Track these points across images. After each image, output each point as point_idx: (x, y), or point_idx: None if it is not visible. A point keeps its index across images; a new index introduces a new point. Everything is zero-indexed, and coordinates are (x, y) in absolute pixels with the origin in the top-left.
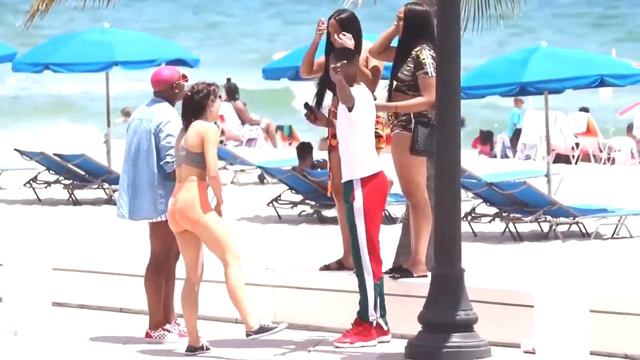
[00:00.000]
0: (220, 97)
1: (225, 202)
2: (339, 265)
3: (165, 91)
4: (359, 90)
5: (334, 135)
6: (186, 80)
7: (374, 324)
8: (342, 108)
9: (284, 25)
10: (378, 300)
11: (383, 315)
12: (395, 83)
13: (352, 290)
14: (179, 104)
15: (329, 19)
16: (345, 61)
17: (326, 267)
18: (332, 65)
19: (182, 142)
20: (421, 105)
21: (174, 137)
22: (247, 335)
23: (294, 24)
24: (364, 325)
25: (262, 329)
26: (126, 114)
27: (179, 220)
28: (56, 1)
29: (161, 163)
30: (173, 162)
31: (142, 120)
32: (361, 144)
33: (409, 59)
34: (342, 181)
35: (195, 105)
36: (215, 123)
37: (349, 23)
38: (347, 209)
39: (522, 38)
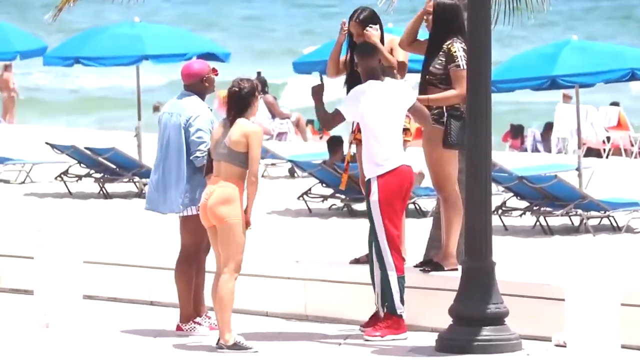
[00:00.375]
0: (261, 93)
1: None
2: (369, 259)
3: (195, 85)
4: (368, 87)
5: (359, 129)
6: (216, 74)
7: (403, 317)
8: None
9: (307, 20)
10: (404, 293)
11: None
12: (427, 77)
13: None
14: (210, 97)
15: (350, 20)
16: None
17: (356, 261)
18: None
19: (225, 139)
20: (453, 97)
21: (204, 132)
22: (219, 347)
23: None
24: (393, 319)
25: (236, 346)
26: (156, 109)
27: (209, 215)
28: None
29: (191, 158)
30: (203, 156)
31: (172, 115)
32: (374, 144)
33: (441, 53)
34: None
35: (242, 102)
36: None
37: (370, 22)
38: (366, 204)
39: (545, 30)
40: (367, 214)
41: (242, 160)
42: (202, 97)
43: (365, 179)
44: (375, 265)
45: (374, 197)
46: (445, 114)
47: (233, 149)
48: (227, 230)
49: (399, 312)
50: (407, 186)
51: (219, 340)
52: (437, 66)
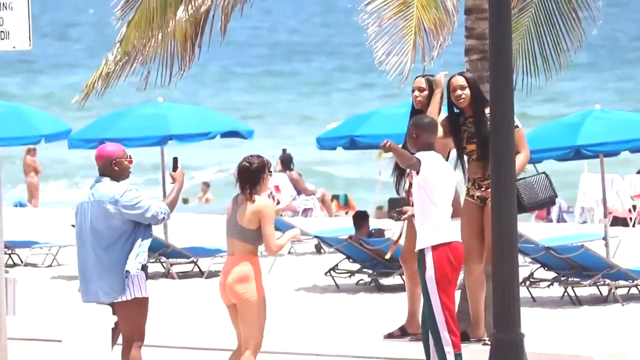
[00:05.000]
0: (271, 172)
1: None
2: (402, 332)
3: (105, 167)
4: (431, 156)
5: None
6: (130, 162)
7: None
8: (413, 175)
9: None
10: None
11: None
12: (479, 150)
13: (418, 357)
14: None
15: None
16: (415, 135)
17: (390, 335)
18: (382, 144)
19: (236, 216)
20: (525, 162)
21: (139, 199)
22: None
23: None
24: None
25: None
26: (185, 201)
27: (228, 294)
28: (113, 80)
29: (153, 223)
30: (160, 212)
31: (91, 203)
32: (433, 210)
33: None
34: (415, 250)
35: (253, 177)
36: (271, 195)
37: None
38: (420, 279)
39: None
40: (422, 289)
41: (255, 238)
42: (116, 180)
43: (417, 249)
44: (431, 341)
45: (430, 272)
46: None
47: (245, 227)
48: (248, 306)
49: None
50: (461, 262)
51: None
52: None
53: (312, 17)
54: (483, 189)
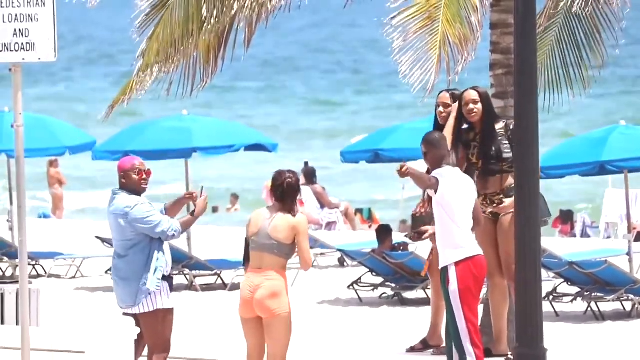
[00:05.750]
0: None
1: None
2: (424, 344)
3: (119, 179)
4: (446, 172)
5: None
6: (141, 177)
7: None
8: (432, 194)
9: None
10: None
11: None
12: (501, 166)
13: None
14: (258, 186)
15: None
16: (427, 151)
17: (412, 349)
18: (397, 169)
19: (268, 230)
20: None
21: (150, 213)
22: None
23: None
24: None
25: None
26: (215, 209)
27: (256, 307)
28: (137, 92)
29: (166, 240)
30: (170, 228)
31: (110, 215)
32: (454, 229)
33: (499, 137)
34: (439, 267)
35: (296, 192)
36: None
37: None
38: (444, 294)
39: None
40: (446, 303)
41: (289, 252)
42: (131, 193)
43: (440, 267)
44: (455, 355)
45: (453, 286)
46: None
47: (282, 241)
48: (279, 322)
49: None
50: (483, 275)
51: None
52: (507, 150)
53: (318, 31)
54: (495, 204)
